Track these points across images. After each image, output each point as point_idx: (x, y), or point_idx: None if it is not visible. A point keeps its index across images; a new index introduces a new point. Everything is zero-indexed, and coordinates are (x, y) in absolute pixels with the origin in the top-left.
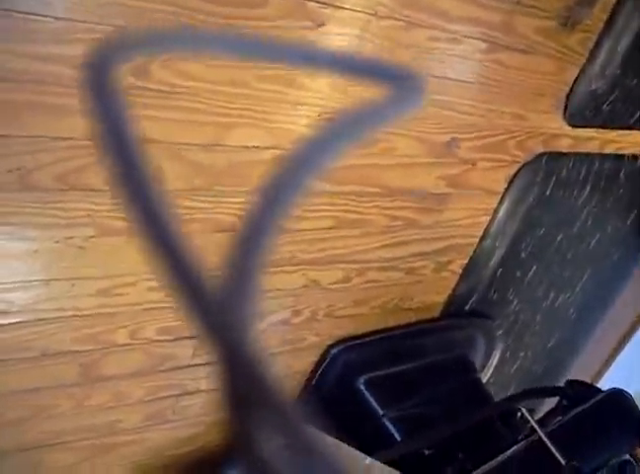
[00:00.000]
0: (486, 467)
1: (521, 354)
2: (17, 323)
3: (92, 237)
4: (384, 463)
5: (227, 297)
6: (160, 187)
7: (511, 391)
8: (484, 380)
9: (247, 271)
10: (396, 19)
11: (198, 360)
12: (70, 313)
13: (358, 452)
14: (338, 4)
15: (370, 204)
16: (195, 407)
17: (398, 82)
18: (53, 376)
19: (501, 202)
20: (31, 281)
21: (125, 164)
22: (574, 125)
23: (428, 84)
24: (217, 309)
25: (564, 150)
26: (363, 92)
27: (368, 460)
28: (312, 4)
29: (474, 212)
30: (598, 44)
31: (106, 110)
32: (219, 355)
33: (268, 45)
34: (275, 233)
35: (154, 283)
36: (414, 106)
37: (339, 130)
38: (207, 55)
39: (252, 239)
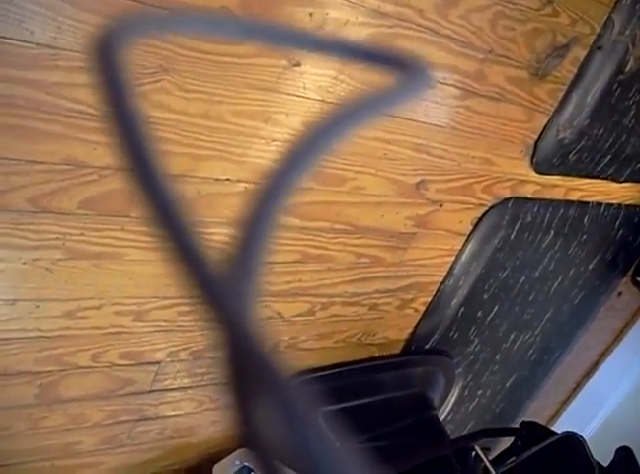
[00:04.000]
0: None
1: (480, 392)
2: None
3: (60, 260)
4: None
5: (231, 279)
6: (163, 161)
7: (468, 429)
8: (442, 417)
9: (250, 259)
10: None
11: (158, 387)
12: (33, 334)
13: None
14: None
15: (337, 241)
16: (152, 433)
17: (405, 69)
18: (11, 396)
19: (466, 244)
20: None
21: (131, 138)
22: (541, 172)
23: (432, 76)
24: (222, 290)
25: (530, 195)
26: None
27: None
28: None
29: (439, 252)
30: (567, 96)
31: (114, 88)
32: (223, 337)
33: (281, 31)
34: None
35: (119, 308)
36: (419, 93)
37: (347, 114)
38: (218, 38)
39: (256, 229)
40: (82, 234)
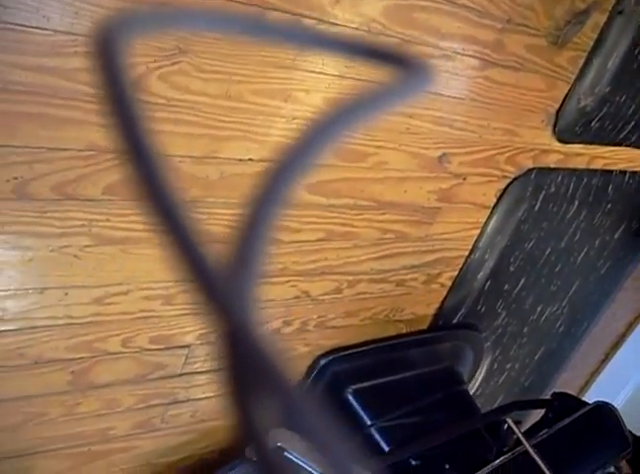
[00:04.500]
0: None
1: (509, 366)
2: (10, 331)
3: (87, 246)
4: (372, 473)
5: (232, 279)
6: (165, 159)
7: (498, 403)
8: (471, 392)
9: (250, 256)
10: (389, 36)
11: (188, 370)
12: (63, 321)
13: None
14: (332, 21)
15: (361, 217)
16: (184, 416)
17: (405, 66)
18: (45, 384)
19: (490, 216)
20: (25, 289)
21: (133, 139)
22: (563, 141)
23: (434, 72)
24: (223, 290)
25: (553, 165)
26: None
27: (356, 470)
28: (306, 20)
29: (464, 226)
30: (587, 62)
31: (114, 85)
32: (224, 338)
33: (278, 27)
34: (273, 222)
35: (147, 293)
36: (420, 90)
37: (346, 112)
38: (215, 34)
39: (255, 226)
40: (108, 220)
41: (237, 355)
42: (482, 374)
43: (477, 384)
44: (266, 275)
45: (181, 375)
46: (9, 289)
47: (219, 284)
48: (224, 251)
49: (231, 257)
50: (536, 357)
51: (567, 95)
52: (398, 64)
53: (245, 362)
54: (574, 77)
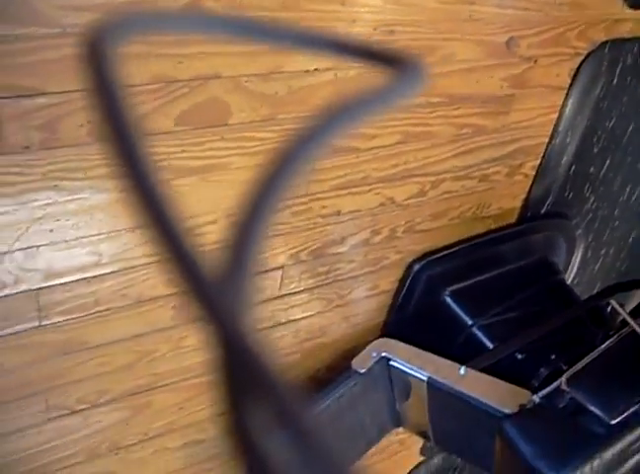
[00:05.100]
0: (581, 364)
1: (603, 251)
2: (109, 273)
3: (168, 180)
4: (479, 371)
5: (225, 282)
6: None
7: (595, 291)
8: (568, 282)
9: (244, 256)
10: None
11: (285, 291)
12: (157, 257)
13: (452, 363)
14: None
15: (435, 115)
16: (287, 338)
17: (397, 66)
18: (150, 321)
19: (567, 98)
20: (117, 231)
21: (122, 141)
22: (635, 7)
23: (426, 69)
24: (216, 294)
25: (627, 35)
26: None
27: (463, 369)
28: None
29: (541, 111)
30: None
31: (104, 89)
32: (217, 342)
33: (266, 27)
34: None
35: (234, 219)
36: (413, 91)
37: (339, 115)
38: (204, 36)
39: (249, 225)
40: (183, 151)
41: (231, 358)
42: (577, 263)
43: (573, 274)
44: (346, 187)
45: (278, 298)
46: (101, 233)
47: (211, 287)
48: (219, 251)
49: (225, 258)
50: (630, 240)
51: None
52: (391, 63)
53: (239, 366)
54: None
